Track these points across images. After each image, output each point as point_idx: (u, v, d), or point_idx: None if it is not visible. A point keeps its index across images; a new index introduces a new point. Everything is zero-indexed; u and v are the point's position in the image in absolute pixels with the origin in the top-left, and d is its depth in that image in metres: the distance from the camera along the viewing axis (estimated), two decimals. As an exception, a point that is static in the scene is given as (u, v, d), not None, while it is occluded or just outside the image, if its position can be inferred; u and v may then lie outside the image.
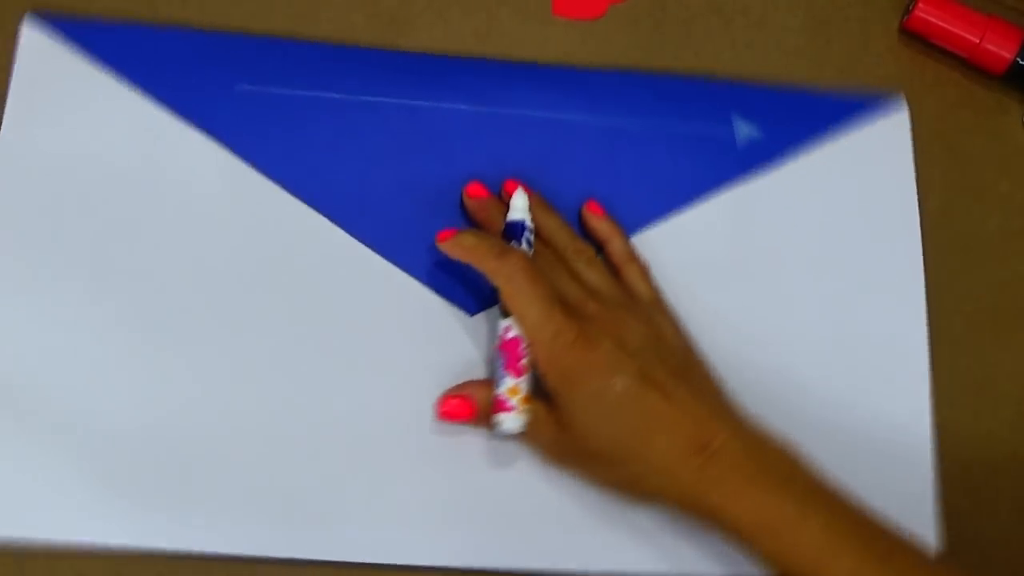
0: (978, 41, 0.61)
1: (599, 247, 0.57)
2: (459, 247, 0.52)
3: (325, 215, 0.55)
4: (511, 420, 0.51)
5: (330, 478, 0.52)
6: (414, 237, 0.55)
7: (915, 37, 0.63)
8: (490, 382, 0.53)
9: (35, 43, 0.56)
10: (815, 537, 0.47)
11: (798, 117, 0.60)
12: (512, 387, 0.51)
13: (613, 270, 0.56)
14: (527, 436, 0.52)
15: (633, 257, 0.56)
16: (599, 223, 0.57)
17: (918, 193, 0.60)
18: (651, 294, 0.56)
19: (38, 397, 0.52)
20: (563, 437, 0.51)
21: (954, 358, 0.59)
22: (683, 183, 0.59)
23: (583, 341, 0.50)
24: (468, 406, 0.52)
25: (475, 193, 0.56)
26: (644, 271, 0.56)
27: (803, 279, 0.59)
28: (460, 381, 0.53)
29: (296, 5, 0.59)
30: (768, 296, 0.58)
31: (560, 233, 0.55)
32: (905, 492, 0.56)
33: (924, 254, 0.60)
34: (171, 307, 0.53)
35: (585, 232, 0.57)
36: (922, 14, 0.62)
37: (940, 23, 0.62)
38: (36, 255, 0.53)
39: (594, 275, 0.54)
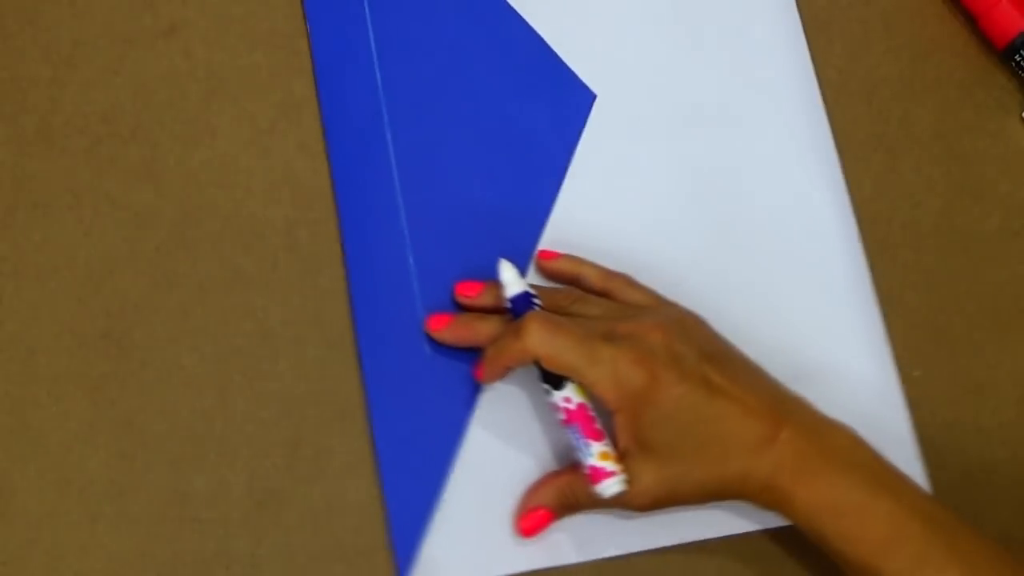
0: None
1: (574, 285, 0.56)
2: (490, 368, 0.52)
3: None
4: (616, 484, 0.50)
5: None
6: None
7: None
8: (547, 480, 0.53)
9: None
10: (881, 521, 0.48)
11: None
12: (602, 452, 0.50)
13: (602, 296, 0.55)
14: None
15: (611, 274, 0.56)
16: (559, 264, 0.56)
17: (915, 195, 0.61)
18: (651, 298, 0.55)
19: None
20: (656, 469, 0.50)
21: (954, 358, 0.59)
22: None
23: (639, 358, 0.49)
24: (543, 516, 0.53)
25: (465, 292, 0.55)
26: (629, 281, 0.56)
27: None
28: None
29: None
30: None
31: (541, 295, 0.54)
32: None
33: (924, 255, 0.60)
34: None
35: (549, 281, 0.57)
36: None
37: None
38: None
39: (596, 307, 0.54)
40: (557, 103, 0.59)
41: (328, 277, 0.56)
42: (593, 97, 0.60)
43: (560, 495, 0.52)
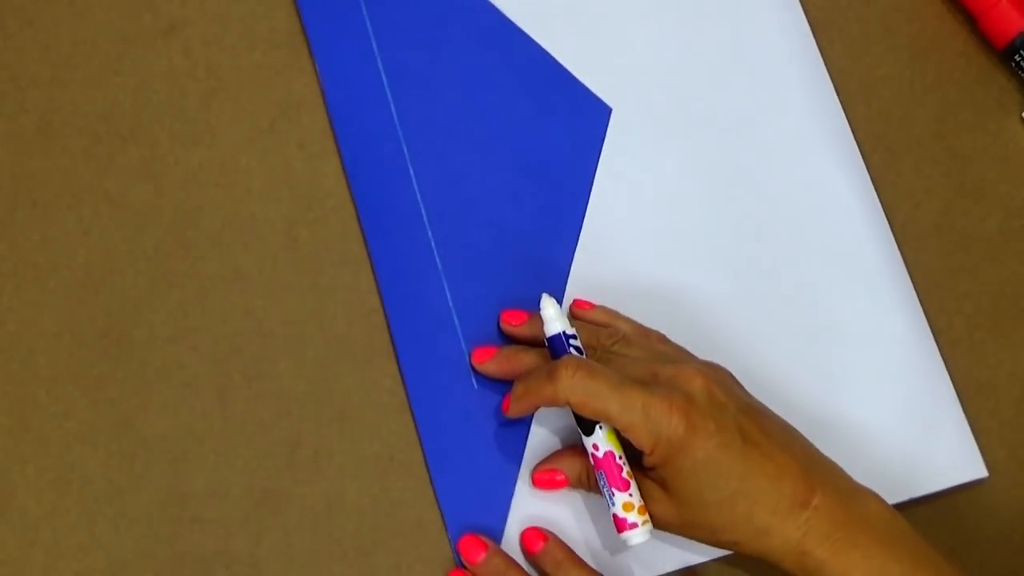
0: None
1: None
2: (517, 405, 0.52)
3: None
4: (639, 535, 0.50)
5: None
6: None
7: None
8: (578, 450, 0.53)
9: None
10: None
11: None
12: (626, 503, 0.50)
13: None
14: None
15: (647, 330, 0.55)
16: (594, 315, 0.56)
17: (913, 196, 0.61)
18: (685, 354, 0.54)
19: None
20: (674, 508, 0.50)
21: (954, 358, 0.59)
22: None
23: (677, 405, 0.48)
24: (558, 482, 0.53)
25: (509, 320, 0.55)
26: (662, 337, 0.55)
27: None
28: None
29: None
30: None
31: (583, 331, 0.53)
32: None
33: (924, 255, 0.60)
34: None
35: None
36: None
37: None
38: None
39: (638, 348, 0.53)
40: (574, 120, 0.59)
41: (328, 276, 0.56)
42: (609, 111, 0.60)
43: (581, 473, 0.53)
